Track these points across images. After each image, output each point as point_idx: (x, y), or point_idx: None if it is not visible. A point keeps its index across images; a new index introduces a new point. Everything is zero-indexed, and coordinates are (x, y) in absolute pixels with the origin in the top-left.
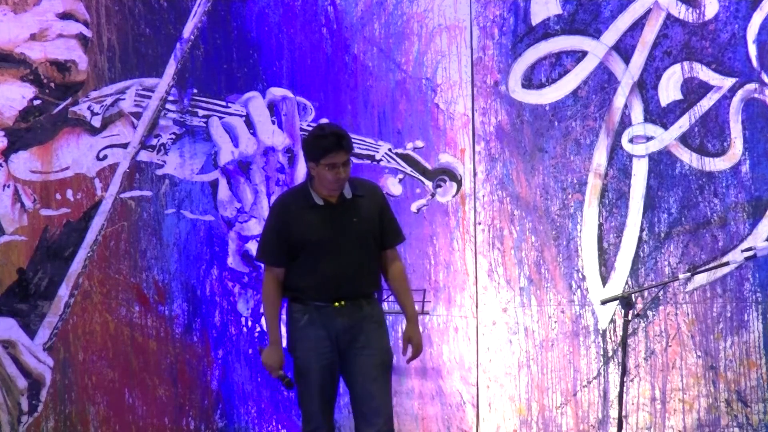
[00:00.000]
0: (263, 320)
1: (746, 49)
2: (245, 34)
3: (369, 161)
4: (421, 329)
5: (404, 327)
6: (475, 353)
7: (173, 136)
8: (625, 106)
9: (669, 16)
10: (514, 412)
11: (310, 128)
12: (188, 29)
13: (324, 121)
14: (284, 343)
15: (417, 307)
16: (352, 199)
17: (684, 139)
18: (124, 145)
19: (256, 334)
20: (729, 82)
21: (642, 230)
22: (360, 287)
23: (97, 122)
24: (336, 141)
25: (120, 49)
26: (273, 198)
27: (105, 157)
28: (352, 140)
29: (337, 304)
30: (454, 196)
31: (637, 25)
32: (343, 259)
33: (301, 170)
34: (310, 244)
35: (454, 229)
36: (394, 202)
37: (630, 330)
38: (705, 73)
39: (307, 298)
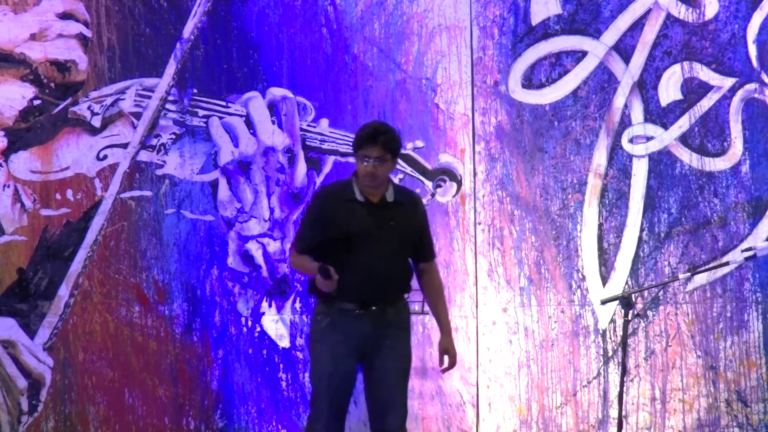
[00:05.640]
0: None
1: (746, 49)
2: (245, 34)
3: None
4: (420, 330)
5: (439, 339)
6: (475, 353)
7: (173, 136)
8: (625, 106)
9: (669, 16)
10: (514, 412)
11: (310, 128)
12: (188, 29)
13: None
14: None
15: (417, 307)
16: (393, 203)
17: (684, 139)
18: (124, 145)
19: (256, 334)
20: (729, 82)
21: (642, 230)
22: (388, 291)
23: (97, 122)
24: (371, 134)
25: (120, 49)
26: (272, 197)
27: (105, 157)
28: (397, 141)
29: (359, 310)
30: (454, 196)
31: (637, 25)
32: (375, 258)
33: (302, 170)
34: (349, 236)
35: (454, 229)
36: None
37: (630, 330)
38: (705, 73)
39: (333, 298)
